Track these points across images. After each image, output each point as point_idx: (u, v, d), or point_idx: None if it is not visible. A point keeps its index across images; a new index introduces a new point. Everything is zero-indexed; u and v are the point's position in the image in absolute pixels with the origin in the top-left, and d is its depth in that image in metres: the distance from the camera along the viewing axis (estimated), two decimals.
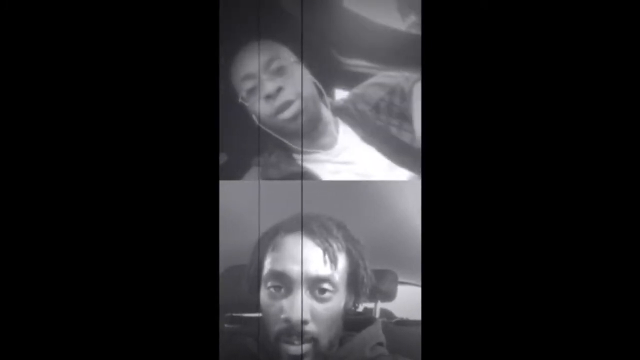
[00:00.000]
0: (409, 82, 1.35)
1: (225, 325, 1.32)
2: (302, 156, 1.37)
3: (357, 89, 1.36)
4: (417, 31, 1.30)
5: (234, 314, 1.33)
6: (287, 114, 1.35)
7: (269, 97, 1.35)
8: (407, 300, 1.32)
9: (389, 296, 1.33)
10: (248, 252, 1.30)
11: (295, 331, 1.19)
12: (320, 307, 1.22)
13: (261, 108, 1.36)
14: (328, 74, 1.37)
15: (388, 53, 1.33)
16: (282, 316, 1.21)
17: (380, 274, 1.32)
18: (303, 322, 1.20)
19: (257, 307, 1.27)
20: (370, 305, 1.33)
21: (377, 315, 1.32)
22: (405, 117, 1.36)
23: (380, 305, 1.34)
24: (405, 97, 1.37)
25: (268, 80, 1.35)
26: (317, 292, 1.23)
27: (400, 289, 1.33)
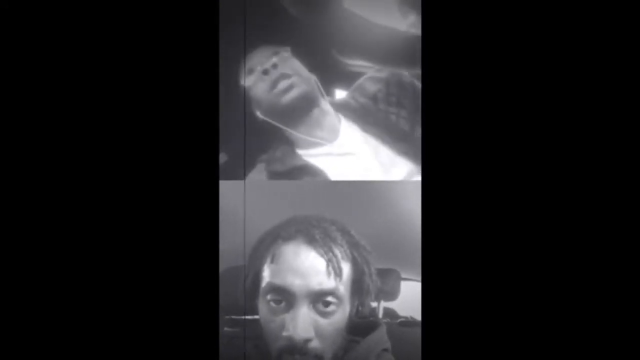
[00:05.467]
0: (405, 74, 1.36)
1: (225, 329, 1.27)
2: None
3: (356, 84, 1.37)
4: (417, 31, 1.31)
5: (234, 317, 1.31)
6: (282, 85, 1.35)
7: (265, 72, 1.36)
8: (409, 297, 1.29)
9: (392, 295, 1.31)
10: (243, 256, 1.24)
11: (297, 348, 1.14)
12: (324, 322, 1.17)
13: (258, 86, 1.36)
14: (327, 74, 1.37)
15: (388, 52, 1.34)
16: (284, 333, 1.15)
17: (383, 273, 1.28)
18: (306, 340, 1.15)
19: (256, 310, 1.22)
20: (373, 304, 1.30)
21: (381, 315, 1.29)
22: (403, 106, 1.37)
23: (384, 304, 1.32)
24: (402, 86, 1.38)
25: (265, 60, 1.36)
26: (320, 306, 1.17)
27: (403, 285, 1.30)
